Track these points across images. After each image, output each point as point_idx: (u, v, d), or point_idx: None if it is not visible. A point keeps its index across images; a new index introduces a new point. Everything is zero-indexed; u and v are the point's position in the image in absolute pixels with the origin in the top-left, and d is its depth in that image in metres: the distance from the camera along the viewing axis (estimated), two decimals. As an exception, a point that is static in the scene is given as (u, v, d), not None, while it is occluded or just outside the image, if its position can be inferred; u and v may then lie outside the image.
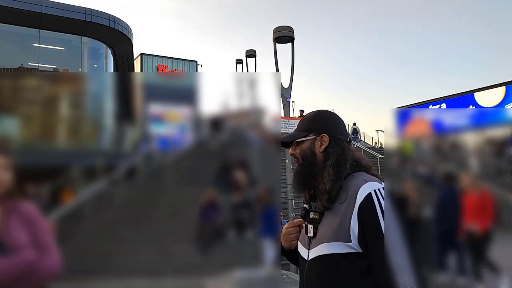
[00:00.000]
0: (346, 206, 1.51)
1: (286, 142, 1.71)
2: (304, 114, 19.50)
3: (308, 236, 1.62)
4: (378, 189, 1.48)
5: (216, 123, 1.68)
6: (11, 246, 1.42)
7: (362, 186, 1.50)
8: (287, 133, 1.79)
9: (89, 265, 1.57)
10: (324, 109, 1.81)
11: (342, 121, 1.74)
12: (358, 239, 1.46)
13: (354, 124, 22.38)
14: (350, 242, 1.47)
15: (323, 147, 1.63)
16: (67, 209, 1.61)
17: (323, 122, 1.68)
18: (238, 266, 1.63)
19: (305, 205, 1.70)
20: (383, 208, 1.43)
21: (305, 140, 1.66)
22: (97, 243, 1.63)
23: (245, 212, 1.64)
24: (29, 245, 1.45)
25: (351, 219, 1.49)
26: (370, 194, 1.47)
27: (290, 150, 1.72)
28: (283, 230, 1.76)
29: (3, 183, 1.45)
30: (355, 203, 1.49)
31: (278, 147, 1.76)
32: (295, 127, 1.74)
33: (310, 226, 1.62)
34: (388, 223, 1.39)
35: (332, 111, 1.83)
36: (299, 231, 1.72)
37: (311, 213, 1.63)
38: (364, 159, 1.70)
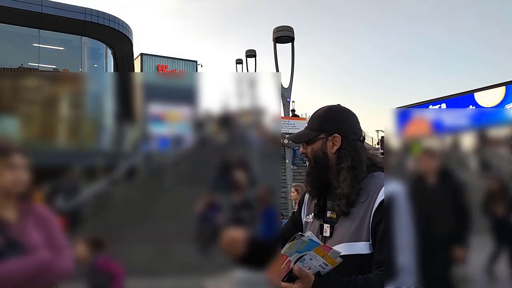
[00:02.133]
0: (367, 205, 1.47)
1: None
2: (296, 114, 19.37)
3: (323, 236, 1.56)
4: None
5: (226, 119, 1.66)
6: (26, 246, 1.43)
7: (386, 186, 1.46)
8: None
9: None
10: (336, 104, 1.74)
11: (355, 117, 1.66)
12: (372, 234, 1.42)
13: None
14: (369, 241, 1.44)
15: (335, 147, 1.57)
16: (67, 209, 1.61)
17: (334, 122, 1.61)
18: (238, 266, 1.63)
19: (309, 196, 1.67)
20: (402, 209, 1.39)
21: (316, 140, 1.61)
22: (97, 243, 1.63)
23: (245, 212, 1.64)
24: (44, 246, 1.47)
25: (371, 216, 1.45)
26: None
27: (301, 149, 1.68)
28: None
29: (22, 183, 1.46)
30: (376, 200, 1.45)
31: (278, 147, 1.76)
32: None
33: (326, 225, 1.56)
34: (402, 223, 1.34)
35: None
36: None
37: (328, 211, 1.58)
38: (378, 156, 1.65)
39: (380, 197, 1.45)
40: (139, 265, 1.64)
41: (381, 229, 1.41)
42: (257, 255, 1.44)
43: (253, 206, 1.63)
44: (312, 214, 1.70)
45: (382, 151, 19.64)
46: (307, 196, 1.80)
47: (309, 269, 1.37)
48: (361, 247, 1.44)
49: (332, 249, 1.36)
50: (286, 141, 12.95)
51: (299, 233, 1.37)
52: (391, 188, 1.43)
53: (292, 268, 1.35)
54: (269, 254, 1.46)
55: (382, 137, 20.41)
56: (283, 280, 1.34)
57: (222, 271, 1.62)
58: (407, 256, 1.30)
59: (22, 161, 1.46)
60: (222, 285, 1.59)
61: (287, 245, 1.35)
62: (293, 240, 1.33)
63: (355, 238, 1.45)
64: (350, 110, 1.68)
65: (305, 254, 1.35)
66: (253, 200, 1.64)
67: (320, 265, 1.37)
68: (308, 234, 1.35)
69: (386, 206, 1.40)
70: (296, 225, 1.79)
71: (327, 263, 1.36)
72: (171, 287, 1.65)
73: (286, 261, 1.35)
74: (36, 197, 1.54)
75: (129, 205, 1.71)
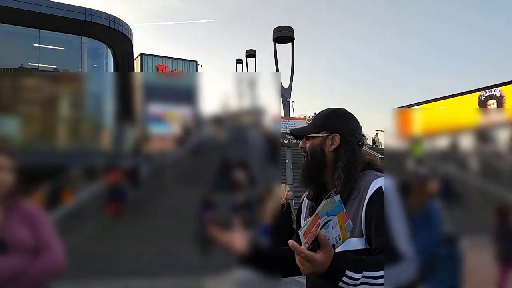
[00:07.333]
0: (358, 201, 1.51)
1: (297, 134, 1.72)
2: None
3: None
4: None
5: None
6: (12, 244, 1.43)
7: (375, 181, 1.51)
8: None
9: (89, 265, 1.57)
10: (342, 108, 1.78)
11: (357, 122, 1.72)
12: (365, 229, 1.46)
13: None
14: (363, 236, 1.47)
15: (333, 146, 1.63)
16: (67, 209, 1.61)
17: (336, 122, 1.67)
18: (238, 266, 1.63)
19: (308, 200, 1.70)
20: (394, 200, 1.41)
21: (316, 136, 1.66)
22: (97, 243, 1.63)
23: (246, 212, 1.64)
24: (31, 242, 1.47)
25: (363, 212, 1.48)
26: (381, 187, 1.48)
27: (300, 143, 1.73)
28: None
29: (5, 184, 1.47)
30: (366, 196, 1.49)
31: (278, 147, 1.76)
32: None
33: None
34: (395, 213, 1.38)
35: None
36: None
37: None
38: (375, 161, 1.69)
39: (370, 193, 1.49)
40: (139, 265, 1.64)
41: (373, 223, 1.44)
42: (258, 257, 1.45)
43: (253, 206, 1.64)
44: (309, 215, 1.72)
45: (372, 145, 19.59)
46: (306, 200, 1.82)
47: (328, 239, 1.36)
48: (356, 243, 1.47)
49: (348, 219, 1.37)
50: (286, 141, 12.96)
51: (334, 190, 1.39)
52: (381, 183, 1.48)
53: (318, 234, 1.32)
54: (270, 255, 1.48)
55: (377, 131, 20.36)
56: (308, 248, 1.31)
57: (222, 271, 1.62)
58: (405, 243, 1.33)
59: (7, 163, 1.47)
60: (222, 285, 1.59)
61: (322, 204, 1.34)
62: (328, 198, 1.33)
63: (349, 235, 1.47)
64: (353, 115, 1.72)
65: (330, 220, 1.34)
66: (254, 200, 1.64)
67: (335, 238, 1.36)
68: (338, 195, 1.36)
69: (378, 199, 1.44)
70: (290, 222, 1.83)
71: (341, 237, 1.36)
72: (171, 287, 1.65)
73: (316, 223, 1.33)
74: (36, 197, 1.54)
75: (130, 205, 1.71)
